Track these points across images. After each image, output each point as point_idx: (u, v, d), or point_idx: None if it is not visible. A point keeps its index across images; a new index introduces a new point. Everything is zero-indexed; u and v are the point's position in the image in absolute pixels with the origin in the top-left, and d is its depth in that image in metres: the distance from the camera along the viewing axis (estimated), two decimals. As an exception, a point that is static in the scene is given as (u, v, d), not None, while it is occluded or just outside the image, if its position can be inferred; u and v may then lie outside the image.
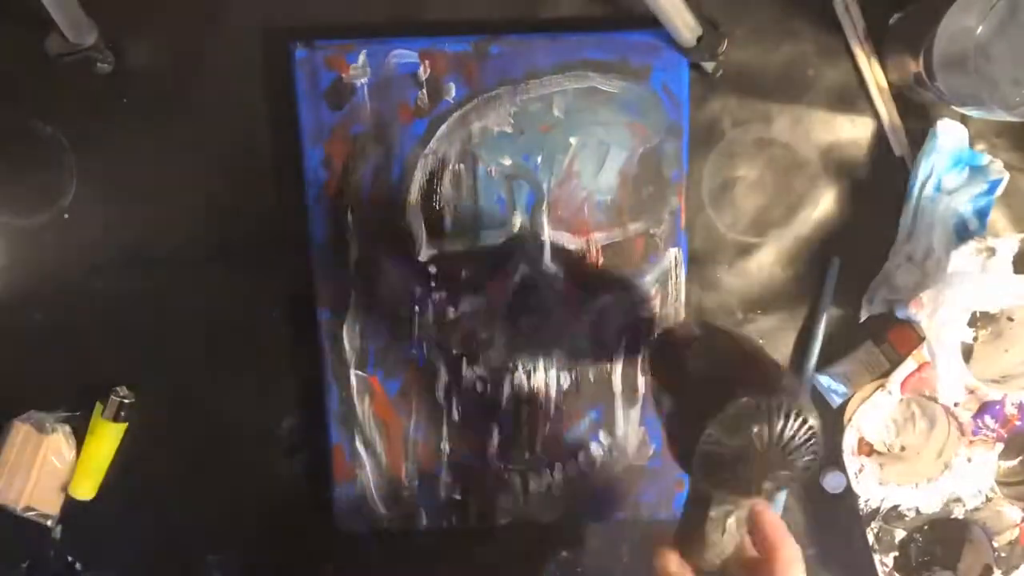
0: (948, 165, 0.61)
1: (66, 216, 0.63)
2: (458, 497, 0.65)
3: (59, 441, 0.64)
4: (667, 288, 0.63)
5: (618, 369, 0.64)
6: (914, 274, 0.62)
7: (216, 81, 0.62)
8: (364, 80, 0.60)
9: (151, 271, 0.64)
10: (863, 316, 0.64)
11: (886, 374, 0.63)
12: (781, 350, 0.66)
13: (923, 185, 0.62)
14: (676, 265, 0.63)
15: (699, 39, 0.59)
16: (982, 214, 0.61)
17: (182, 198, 0.63)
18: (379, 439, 0.64)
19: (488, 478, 0.64)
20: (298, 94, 0.60)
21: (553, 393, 0.64)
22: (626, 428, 0.64)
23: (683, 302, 0.63)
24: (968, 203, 0.61)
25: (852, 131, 0.64)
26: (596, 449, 0.64)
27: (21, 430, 0.63)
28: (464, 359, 0.63)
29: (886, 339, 0.64)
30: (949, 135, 0.60)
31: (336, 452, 0.64)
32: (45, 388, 0.65)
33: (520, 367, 0.63)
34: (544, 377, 0.64)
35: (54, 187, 0.63)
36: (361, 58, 0.60)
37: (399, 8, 0.62)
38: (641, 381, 0.64)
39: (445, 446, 0.64)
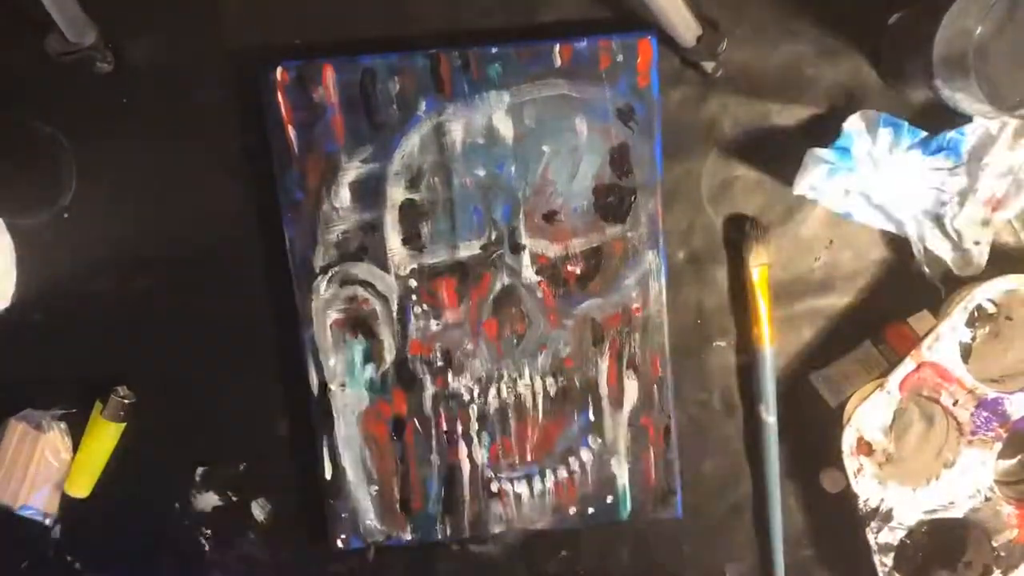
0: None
1: (66, 216, 0.63)
2: (450, 507, 0.65)
3: (55, 439, 0.64)
4: (648, 289, 0.63)
5: (604, 372, 0.64)
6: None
7: (200, 97, 0.63)
8: (335, 98, 0.60)
9: (151, 271, 0.64)
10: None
11: (884, 374, 0.63)
12: (780, 350, 0.66)
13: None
14: (655, 267, 0.63)
15: (698, 39, 0.59)
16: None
17: (182, 198, 0.63)
18: (368, 453, 0.64)
19: (479, 487, 0.65)
20: (268, 116, 0.60)
21: (540, 399, 0.64)
22: (615, 431, 0.64)
23: (664, 303, 0.63)
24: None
25: (851, 131, 0.64)
26: (586, 453, 0.65)
27: (17, 428, 0.63)
28: (449, 370, 0.63)
29: (884, 339, 0.64)
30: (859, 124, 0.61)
31: (326, 467, 0.64)
32: (44, 388, 0.65)
33: (506, 375, 0.64)
34: (530, 384, 0.64)
35: (54, 187, 0.63)
36: (330, 76, 0.60)
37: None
38: (627, 383, 0.64)
39: (435, 458, 0.64)
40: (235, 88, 0.62)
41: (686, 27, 0.58)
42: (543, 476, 0.65)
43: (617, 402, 0.64)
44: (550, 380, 0.64)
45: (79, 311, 0.64)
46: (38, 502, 0.64)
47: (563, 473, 0.65)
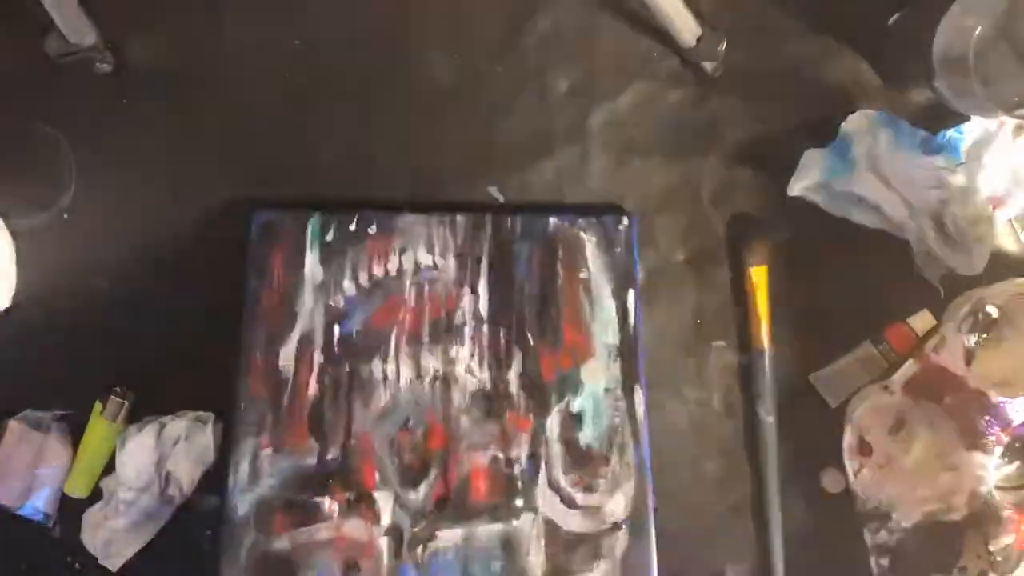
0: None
1: (66, 216, 0.63)
2: None
3: (55, 440, 0.64)
4: None
5: None
6: None
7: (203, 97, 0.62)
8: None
9: (151, 271, 0.64)
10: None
11: (884, 374, 0.63)
12: (779, 351, 0.66)
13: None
14: None
15: (699, 39, 0.59)
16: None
17: (182, 198, 0.63)
18: None
19: None
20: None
21: None
22: None
23: None
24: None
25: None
26: None
27: (17, 429, 0.63)
28: None
29: (884, 339, 0.64)
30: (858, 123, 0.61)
31: None
32: (44, 388, 0.65)
33: None
34: None
35: (54, 187, 0.63)
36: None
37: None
38: None
39: None
40: (238, 92, 0.62)
41: (686, 28, 0.58)
42: None
43: None
44: None
45: (79, 311, 0.64)
46: (38, 502, 0.64)
47: None
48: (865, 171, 0.61)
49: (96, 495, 0.65)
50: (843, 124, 0.60)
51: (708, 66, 0.61)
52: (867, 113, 0.61)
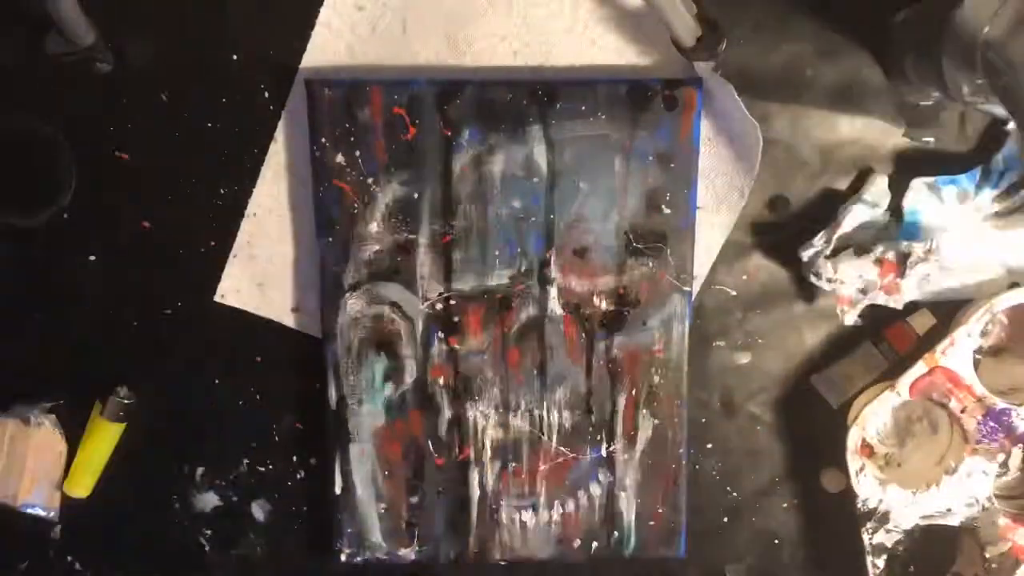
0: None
1: (66, 216, 0.63)
2: (455, 531, 0.65)
3: (47, 433, 0.64)
4: (671, 332, 0.63)
5: (620, 409, 0.64)
6: None
7: (204, 100, 0.62)
8: (379, 119, 0.60)
9: (151, 272, 0.64)
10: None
11: (885, 374, 0.63)
12: (780, 350, 0.66)
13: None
14: (681, 311, 0.63)
15: (698, 39, 0.59)
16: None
17: (183, 199, 0.63)
18: (380, 471, 0.64)
19: (487, 514, 0.65)
20: (311, 131, 0.60)
21: (555, 432, 0.64)
22: (626, 468, 0.65)
23: (686, 348, 0.64)
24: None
25: (851, 130, 0.64)
26: (595, 488, 0.65)
27: (8, 425, 0.63)
28: (467, 396, 0.64)
29: (884, 338, 0.64)
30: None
31: (337, 481, 0.64)
32: (44, 388, 0.65)
33: (523, 405, 0.64)
34: (547, 416, 0.64)
35: (54, 187, 0.63)
36: (377, 97, 0.60)
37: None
38: (642, 422, 0.64)
39: (446, 481, 0.65)
40: (245, 94, 0.62)
41: (685, 27, 0.58)
42: (550, 507, 0.65)
43: (631, 440, 0.64)
44: (567, 414, 0.64)
45: (79, 311, 0.64)
46: (39, 498, 0.64)
47: (571, 506, 0.65)
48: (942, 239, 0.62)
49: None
50: (904, 202, 0.62)
51: (707, 66, 0.61)
52: (924, 181, 0.61)
